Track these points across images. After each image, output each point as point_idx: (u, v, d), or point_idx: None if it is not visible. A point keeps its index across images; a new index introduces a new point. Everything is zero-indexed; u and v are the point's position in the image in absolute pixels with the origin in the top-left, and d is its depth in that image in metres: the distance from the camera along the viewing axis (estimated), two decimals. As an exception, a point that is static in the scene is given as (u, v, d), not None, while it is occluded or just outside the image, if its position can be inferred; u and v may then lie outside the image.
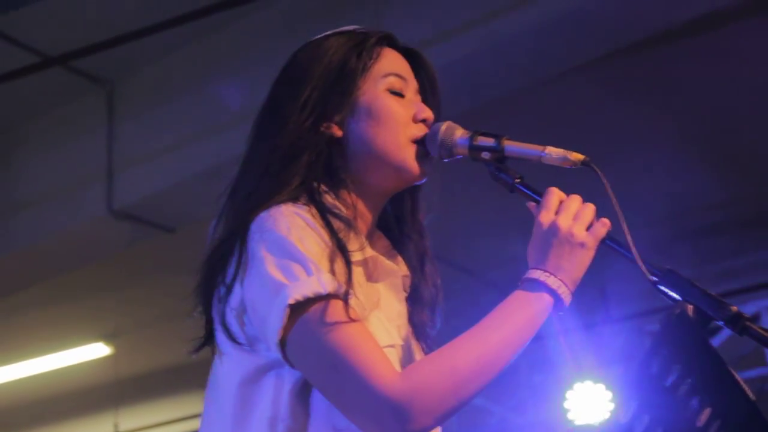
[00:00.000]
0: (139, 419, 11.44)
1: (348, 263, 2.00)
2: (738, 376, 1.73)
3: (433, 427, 1.94)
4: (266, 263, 1.96)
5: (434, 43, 5.53)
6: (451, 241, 7.55)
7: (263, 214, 2.02)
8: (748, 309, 8.33)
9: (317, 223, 2.02)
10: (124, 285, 8.77)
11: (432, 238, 2.33)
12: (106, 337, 9.93)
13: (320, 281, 1.93)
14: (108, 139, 6.99)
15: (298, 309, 1.93)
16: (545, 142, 2.15)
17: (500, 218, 5.97)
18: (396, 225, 2.31)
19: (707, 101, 6.88)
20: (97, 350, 10.08)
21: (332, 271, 1.96)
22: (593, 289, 8.60)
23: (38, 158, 7.34)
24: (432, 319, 2.30)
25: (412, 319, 2.25)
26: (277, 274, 1.94)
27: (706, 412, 1.65)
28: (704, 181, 7.90)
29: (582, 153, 2.11)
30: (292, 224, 1.99)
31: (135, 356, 10.09)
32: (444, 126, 2.19)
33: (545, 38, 5.52)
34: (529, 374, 8.89)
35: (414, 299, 2.28)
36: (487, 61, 5.61)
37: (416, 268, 2.28)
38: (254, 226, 2.01)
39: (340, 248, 2.01)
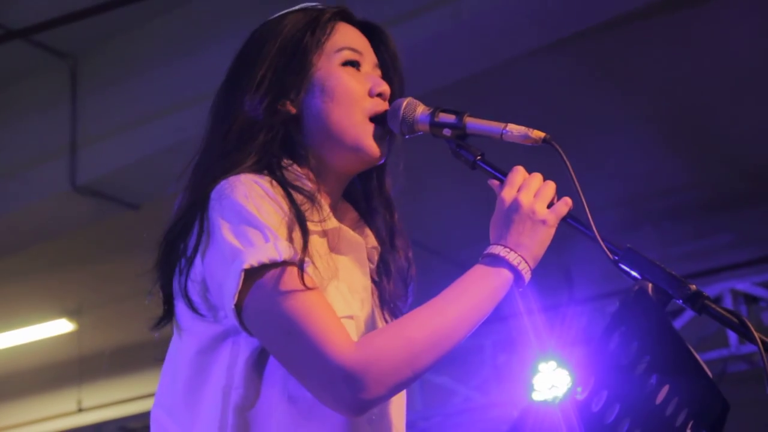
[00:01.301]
0: (102, 396, 11.40)
1: (305, 232, 1.99)
2: (696, 354, 1.73)
3: (386, 397, 1.94)
4: (222, 230, 1.95)
5: (401, 22, 5.52)
6: (419, 220, 7.54)
7: (222, 183, 2.01)
8: (711, 291, 8.36)
9: (277, 193, 2.01)
10: (88, 262, 8.73)
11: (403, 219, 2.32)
12: (70, 314, 9.89)
13: (276, 248, 1.93)
14: (71, 115, 6.95)
15: (253, 275, 1.92)
16: (511, 122, 2.13)
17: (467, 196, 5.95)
18: (363, 199, 2.30)
19: (673, 83, 6.89)
20: (61, 326, 10.05)
21: (290, 240, 1.95)
22: (558, 271, 8.62)
23: (1, 133, 7.28)
24: (404, 293, 2.29)
25: (381, 293, 2.25)
26: (233, 240, 1.94)
27: (665, 390, 1.65)
28: (668, 163, 7.92)
29: (546, 133, 2.10)
30: (250, 192, 1.98)
31: (98, 333, 10.04)
32: (405, 102, 2.17)
33: (512, 17, 5.51)
34: (493, 354, 8.91)
35: (384, 272, 2.27)
36: (454, 40, 5.59)
37: (386, 241, 2.27)
38: (213, 195, 2.01)
39: (299, 218, 2.00)
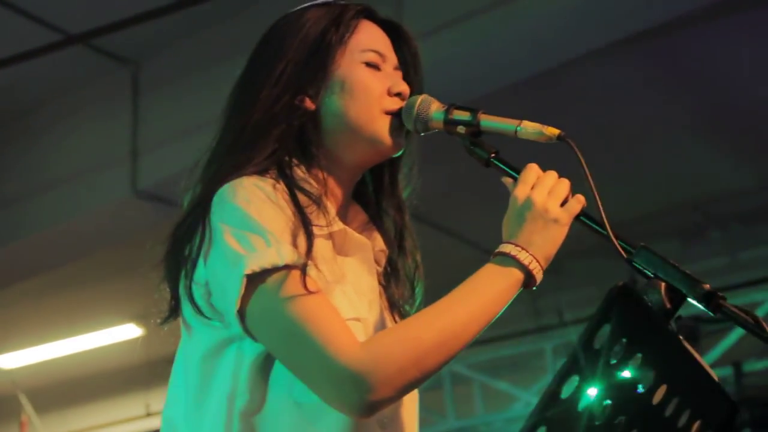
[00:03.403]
0: (170, 400, 11.45)
1: (309, 236, 1.98)
2: (698, 356, 1.68)
3: (394, 399, 1.91)
4: (225, 235, 1.95)
5: (454, 25, 5.50)
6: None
7: (224, 187, 2.00)
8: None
9: (280, 196, 2.00)
10: (154, 266, 8.76)
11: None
12: (137, 318, 9.96)
13: (279, 252, 1.92)
14: (133, 120, 7.00)
15: (255, 280, 1.92)
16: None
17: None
18: (374, 199, 2.28)
19: (737, 85, 6.80)
20: (129, 331, 10.13)
21: (293, 244, 1.94)
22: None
23: (63, 139, 7.37)
24: (412, 295, 2.26)
25: (388, 295, 2.22)
26: (235, 245, 1.93)
27: (662, 389, 1.61)
28: (734, 167, 7.84)
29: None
30: (252, 196, 1.97)
31: (166, 337, 10.08)
32: (419, 99, 2.15)
33: (566, 21, 5.47)
34: (554, 359, 8.86)
35: (392, 274, 2.24)
36: (506, 43, 5.56)
37: (394, 242, 2.24)
38: (216, 199, 2.00)
39: (303, 221, 1.99)
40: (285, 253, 1.92)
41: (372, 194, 2.29)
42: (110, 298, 9.83)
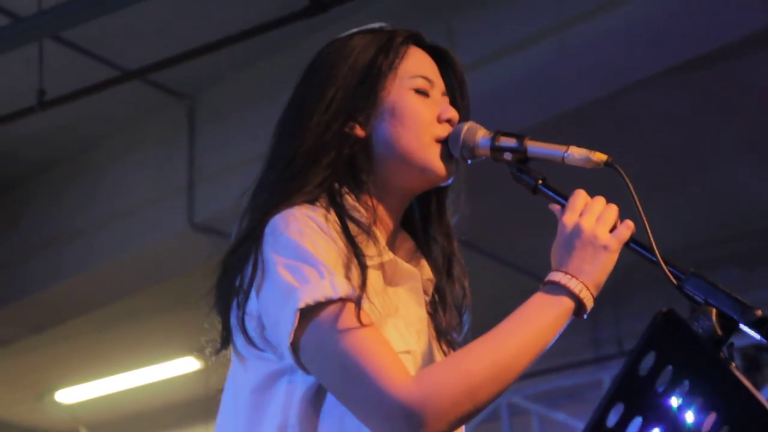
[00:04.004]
0: (229, 434, 11.46)
1: (363, 268, 1.97)
2: (746, 380, 1.66)
3: None
4: (278, 267, 1.94)
5: (508, 54, 5.49)
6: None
7: (276, 217, 1.99)
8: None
9: (332, 227, 1.99)
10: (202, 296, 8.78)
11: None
12: (196, 351, 9.96)
13: (332, 285, 1.91)
14: (189, 153, 7.05)
15: (309, 312, 1.91)
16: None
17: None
18: (422, 226, 2.27)
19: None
20: (188, 364, 10.15)
21: (347, 276, 1.93)
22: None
23: (122, 174, 7.43)
24: (459, 323, 2.25)
25: (436, 324, 2.21)
26: (288, 278, 1.92)
27: (711, 417, 1.58)
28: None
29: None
30: (305, 227, 1.96)
31: (225, 370, 10.10)
32: (466, 126, 2.15)
33: (621, 47, 5.44)
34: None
35: (439, 303, 2.23)
36: (559, 71, 5.54)
37: (442, 270, 2.23)
38: (267, 230, 1.99)
39: (356, 253, 1.98)
40: (339, 286, 1.91)
41: (419, 221, 2.28)
42: (169, 330, 9.84)
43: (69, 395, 10.80)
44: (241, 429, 2.03)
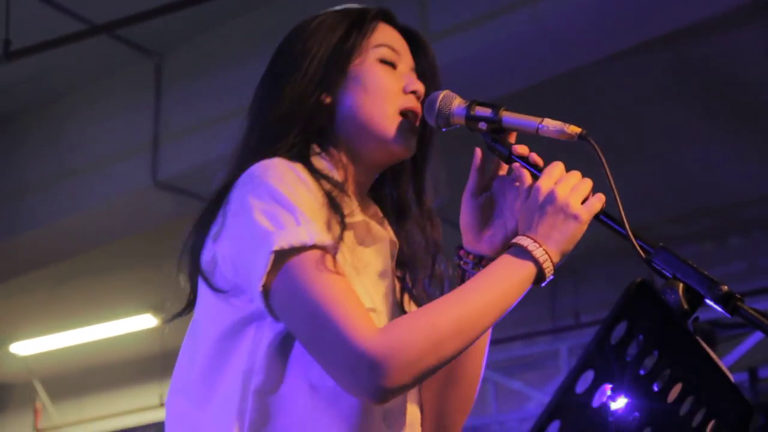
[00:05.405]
0: (184, 392, 11.50)
1: (341, 220, 2.00)
2: (715, 356, 1.68)
3: (410, 386, 1.91)
4: (254, 210, 1.95)
5: (479, 24, 5.49)
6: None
7: (255, 165, 2.02)
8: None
9: (310, 181, 2.01)
10: (172, 257, 8.79)
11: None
12: (154, 309, 9.99)
13: (308, 231, 1.92)
14: (155, 111, 7.02)
15: (283, 257, 1.92)
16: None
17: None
18: (396, 208, 2.29)
19: (755, 92, 6.78)
20: (145, 321, 10.17)
21: (325, 226, 1.95)
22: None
23: (85, 128, 7.40)
24: (441, 290, 2.27)
25: (402, 286, 2.24)
26: (264, 222, 1.94)
27: (677, 388, 1.61)
28: (760, 171, 7.82)
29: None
30: (285, 175, 1.98)
31: (182, 328, 10.12)
32: (442, 94, 2.16)
33: (594, 18, 5.44)
34: (568, 359, 8.87)
35: (407, 265, 2.25)
36: (532, 42, 5.54)
37: (424, 261, 2.25)
38: (245, 176, 2.01)
39: (332, 205, 2.00)
40: (314, 233, 1.92)
41: (395, 202, 2.30)
42: (127, 287, 9.87)
43: (24, 347, 10.79)
44: (199, 374, 2.02)
